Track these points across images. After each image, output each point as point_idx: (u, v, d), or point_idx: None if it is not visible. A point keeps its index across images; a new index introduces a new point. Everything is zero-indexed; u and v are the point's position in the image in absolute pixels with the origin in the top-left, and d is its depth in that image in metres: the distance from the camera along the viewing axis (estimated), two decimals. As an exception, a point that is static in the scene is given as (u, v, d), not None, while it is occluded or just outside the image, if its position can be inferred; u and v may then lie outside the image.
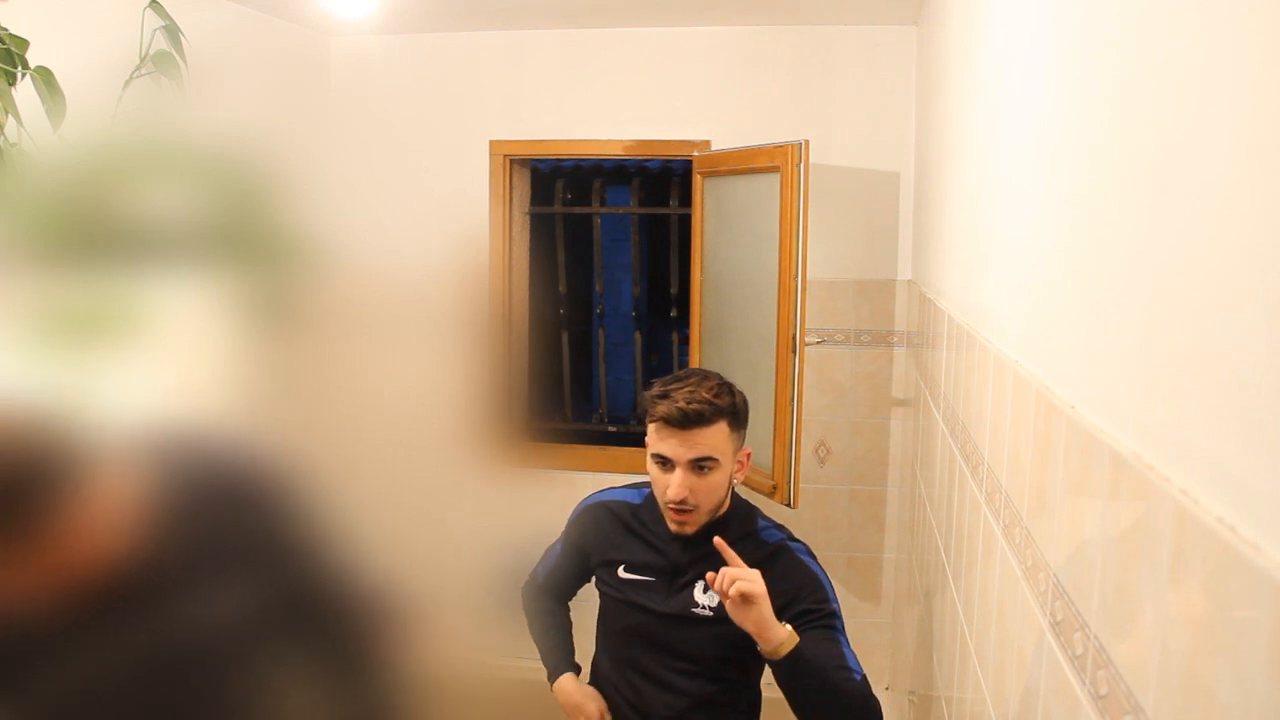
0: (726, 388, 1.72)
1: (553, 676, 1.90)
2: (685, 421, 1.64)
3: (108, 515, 0.80)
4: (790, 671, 1.51)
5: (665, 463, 1.68)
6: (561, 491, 3.30)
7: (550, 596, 2.00)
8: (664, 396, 1.67)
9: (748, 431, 1.79)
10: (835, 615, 1.69)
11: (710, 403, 1.65)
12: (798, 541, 1.80)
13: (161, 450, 0.86)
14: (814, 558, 1.78)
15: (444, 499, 3.30)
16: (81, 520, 0.78)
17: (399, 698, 1.05)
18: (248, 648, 0.92)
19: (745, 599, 1.47)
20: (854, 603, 3.16)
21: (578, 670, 1.90)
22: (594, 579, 1.89)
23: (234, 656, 0.91)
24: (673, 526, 1.73)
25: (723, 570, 1.50)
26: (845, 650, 1.66)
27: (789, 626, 1.52)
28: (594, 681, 1.91)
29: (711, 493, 1.69)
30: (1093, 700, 0.79)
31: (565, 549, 1.95)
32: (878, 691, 2.29)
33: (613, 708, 1.84)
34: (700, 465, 1.66)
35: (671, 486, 1.66)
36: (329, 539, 0.99)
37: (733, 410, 1.70)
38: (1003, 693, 1.20)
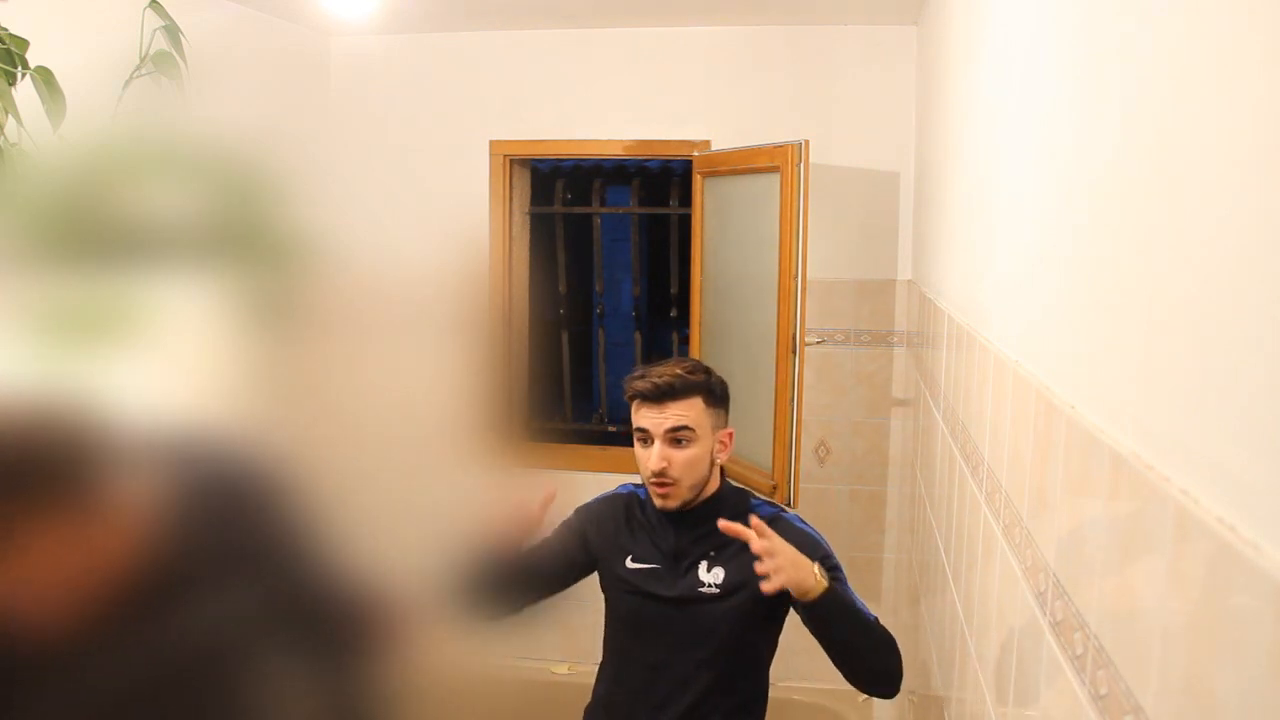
0: (701, 368, 1.82)
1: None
2: (658, 395, 1.75)
3: (126, 516, 0.80)
4: (825, 612, 1.59)
5: (645, 439, 1.77)
6: (561, 491, 3.29)
7: None
8: (641, 377, 1.78)
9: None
10: (839, 569, 1.76)
11: (682, 377, 1.76)
12: (795, 516, 1.87)
13: (171, 449, 0.85)
14: (808, 524, 1.84)
15: (443, 498, 3.29)
16: (102, 519, 0.77)
17: (399, 698, 1.05)
18: (252, 650, 0.92)
19: (770, 557, 1.54)
20: (854, 603, 3.16)
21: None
22: (600, 579, 1.89)
23: (239, 659, 0.91)
24: (657, 501, 1.79)
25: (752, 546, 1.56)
26: (854, 597, 1.73)
27: (816, 571, 1.59)
28: (603, 684, 1.90)
29: (690, 466, 1.76)
30: (1093, 700, 0.79)
31: (562, 530, 1.89)
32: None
33: (626, 707, 1.84)
34: (676, 438, 1.75)
35: (652, 458, 1.75)
36: (332, 540, 0.99)
37: (707, 388, 1.79)
38: (1003, 693, 1.20)
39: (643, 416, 1.76)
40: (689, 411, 1.75)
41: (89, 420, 0.72)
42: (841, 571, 1.77)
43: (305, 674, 0.98)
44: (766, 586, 1.54)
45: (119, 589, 0.79)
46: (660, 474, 1.74)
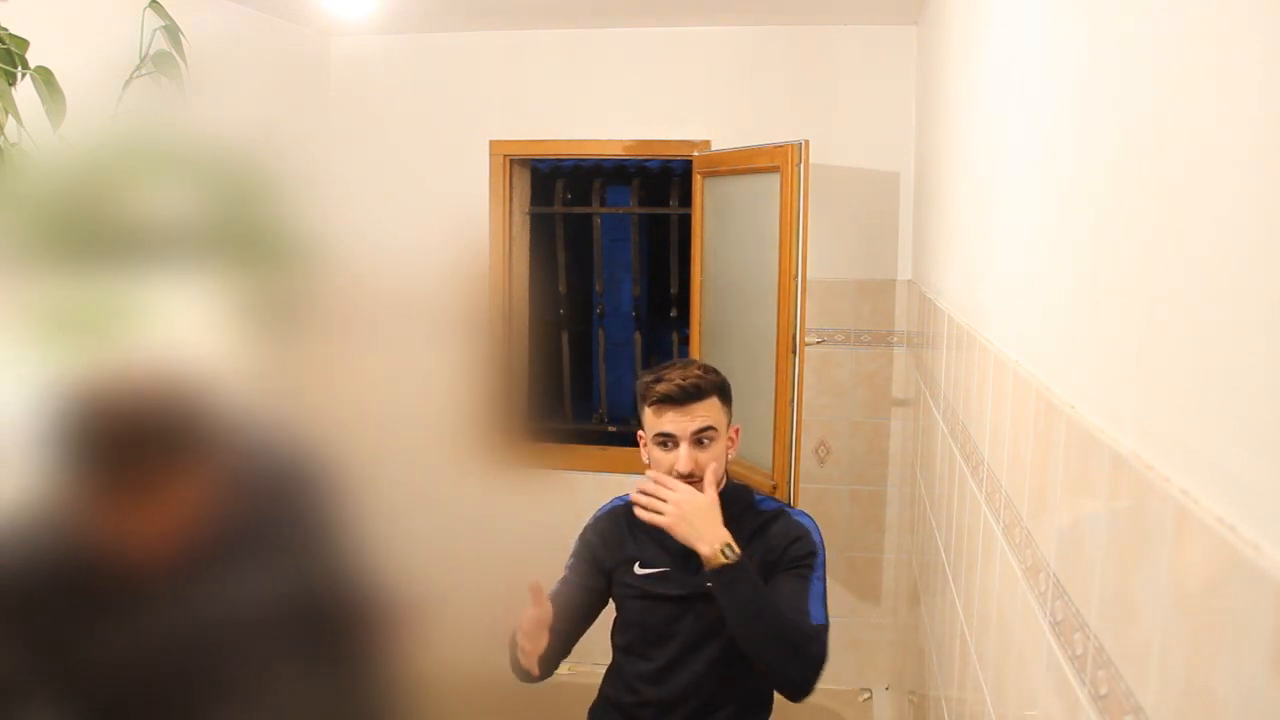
0: (712, 369, 1.84)
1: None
2: (685, 397, 1.75)
3: (216, 483, 0.91)
4: (721, 592, 1.65)
5: (667, 442, 1.77)
6: (561, 491, 3.30)
7: None
8: (658, 380, 1.78)
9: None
10: (814, 567, 1.77)
11: (703, 377, 1.79)
12: (799, 510, 1.89)
13: (252, 436, 0.95)
14: (810, 518, 1.85)
15: (443, 498, 3.29)
16: (190, 486, 0.89)
17: (402, 696, 1.07)
18: (272, 634, 0.95)
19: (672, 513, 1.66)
20: (854, 602, 3.16)
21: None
22: (612, 588, 1.90)
23: (260, 640, 0.95)
24: None
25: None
26: (811, 594, 1.73)
27: (721, 548, 1.65)
28: (610, 685, 1.91)
29: (714, 464, 1.78)
30: (1093, 700, 0.79)
31: (574, 564, 1.92)
32: (877, 691, 2.29)
33: (637, 709, 1.85)
34: (701, 438, 1.76)
35: (680, 461, 1.75)
36: (355, 535, 1.04)
37: (722, 386, 1.82)
38: (1003, 693, 1.20)
39: (667, 420, 1.76)
40: (711, 411, 1.77)
41: (205, 400, 0.84)
42: (812, 570, 1.76)
43: (319, 665, 1.01)
44: (643, 515, 1.69)
45: (200, 541, 0.91)
46: (689, 475, 1.75)
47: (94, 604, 0.87)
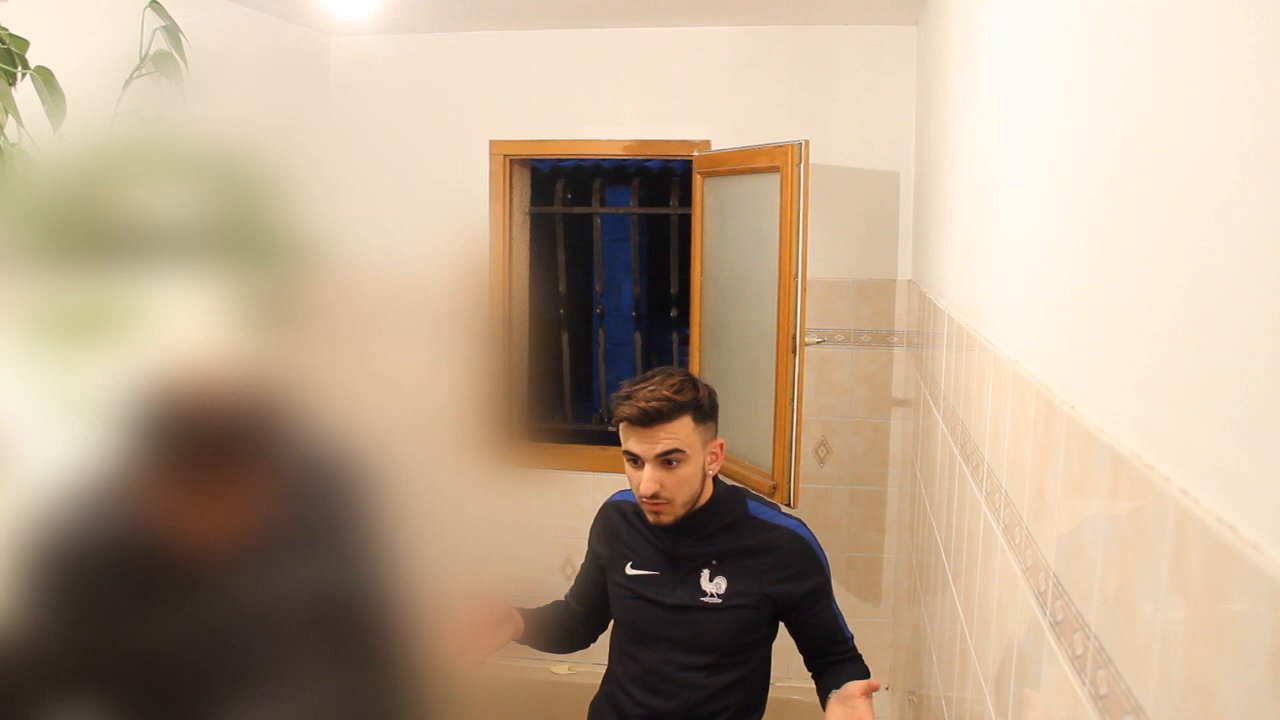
0: (689, 383, 1.76)
1: None
2: (646, 419, 1.69)
3: (257, 480, 0.93)
4: None
5: (635, 460, 1.74)
6: (561, 491, 3.30)
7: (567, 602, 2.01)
8: (627, 398, 1.73)
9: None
10: (830, 592, 1.83)
11: (670, 399, 1.70)
12: (792, 518, 1.87)
13: (306, 440, 0.99)
14: (804, 527, 1.86)
15: (443, 498, 3.30)
16: (244, 481, 0.92)
17: (416, 692, 1.08)
18: (315, 629, 0.97)
19: None
20: (854, 603, 3.16)
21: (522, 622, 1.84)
22: (606, 585, 1.91)
23: (304, 634, 0.97)
24: (650, 518, 1.78)
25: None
26: (838, 620, 1.84)
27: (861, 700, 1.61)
28: (608, 683, 1.92)
29: (682, 485, 1.73)
30: (1093, 700, 0.79)
31: (586, 555, 1.99)
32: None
33: (629, 708, 1.85)
34: (667, 460, 1.71)
35: (642, 482, 1.72)
36: (390, 534, 1.05)
37: (696, 405, 1.73)
38: (1003, 693, 1.20)
39: (631, 441, 1.72)
40: (679, 433, 1.71)
41: (277, 404, 0.88)
42: (831, 595, 1.84)
43: (340, 664, 1.02)
44: None
45: (250, 537, 0.93)
46: (653, 496, 1.72)
47: (147, 594, 0.89)
